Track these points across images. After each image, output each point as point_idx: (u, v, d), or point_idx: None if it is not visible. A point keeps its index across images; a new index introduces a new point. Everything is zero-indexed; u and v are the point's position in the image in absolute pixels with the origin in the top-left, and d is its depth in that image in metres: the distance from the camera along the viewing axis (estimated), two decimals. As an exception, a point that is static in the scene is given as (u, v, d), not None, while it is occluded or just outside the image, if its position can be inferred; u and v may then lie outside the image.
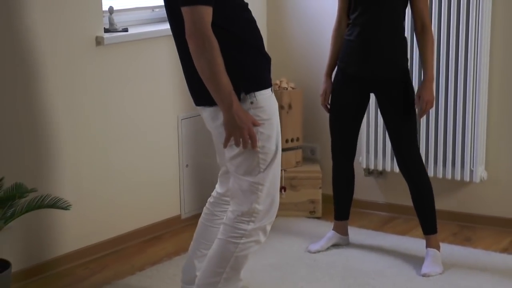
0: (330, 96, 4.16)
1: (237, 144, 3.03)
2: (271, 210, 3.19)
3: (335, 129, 4.17)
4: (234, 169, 3.15)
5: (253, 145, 3.03)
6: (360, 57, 3.98)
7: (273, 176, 3.16)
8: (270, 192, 3.16)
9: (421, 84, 3.96)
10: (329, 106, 4.19)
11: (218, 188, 3.53)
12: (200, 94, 3.13)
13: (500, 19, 4.46)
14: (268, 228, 3.21)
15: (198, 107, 3.23)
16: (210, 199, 3.55)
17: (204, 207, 3.57)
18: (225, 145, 3.07)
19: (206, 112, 3.18)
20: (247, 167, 3.11)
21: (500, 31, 4.48)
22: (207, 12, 2.91)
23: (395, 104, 3.98)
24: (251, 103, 3.06)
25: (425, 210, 4.09)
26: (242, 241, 3.15)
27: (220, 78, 2.94)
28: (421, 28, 3.95)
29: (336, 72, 4.13)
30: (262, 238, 3.20)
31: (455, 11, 4.44)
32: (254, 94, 3.06)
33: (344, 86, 4.08)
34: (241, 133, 2.99)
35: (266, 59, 3.17)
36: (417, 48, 4.07)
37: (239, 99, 3.02)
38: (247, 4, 3.14)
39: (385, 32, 3.94)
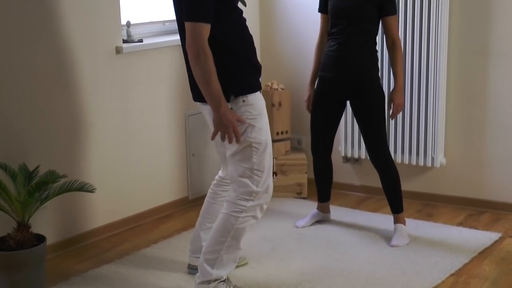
0: (313, 102, 4.13)
1: (222, 139, 3.05)
2: (268, 191, 3.20)
3: (315, 128, 4.15)
4: (232, 158, 3.16)
5: (237, 140, 3.05)
6: (336, 65, 3.96)
7: (267, 163, 3.17)
8: (265, 176, 3.17)
9: (392, 90, 3.95)
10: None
11: (220, 173, 3.56)
12: (200, 93, 3.14)
13: (456, 29, 4.48)
14: (265, 206, 3.23)
15: (197, 102, 3.26)
16: (213, 181, 3.59)
17: (209, 188, 3.60)
18: (212, 138, 3.09)
19: (205, 109, 3.21)
20: (243, 157, 3.13)
21: (455, 38, 4.49)
22: (205, 28, 2.94)
23: (367, 105, 3.96)
24: (243, 101, 3.09)
25: (392, 194, 4.09)
26: (242, 215, 3.17)
27: (211, 84, 2.96)
28: (391, 44, 3.94)
29: (318, 80, 4.10)
30: (259, 214, 3.22)
31: (418, 22, 4.46)
32: (246, 95, 3.10)
33: (324, 93, 4.06)
34: (227, 130, 3.02)
35: (256, 68, 3.18)
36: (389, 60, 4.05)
37: (228, 100, 3.05)
38: (244, 20, 3.15)
39: (358, 45, 3.91)
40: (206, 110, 3.22)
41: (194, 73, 2.99)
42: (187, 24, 2.96)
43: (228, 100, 3.06)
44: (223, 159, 3.44)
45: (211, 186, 3.60)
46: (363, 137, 4.07)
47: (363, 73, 3.94)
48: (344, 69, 3.95)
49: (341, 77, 3.97)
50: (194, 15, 2.94)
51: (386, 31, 3.96)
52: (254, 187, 3.16)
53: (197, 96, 3.19)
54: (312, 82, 4.18)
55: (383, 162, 4.04)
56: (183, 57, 3.20)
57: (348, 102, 4.20)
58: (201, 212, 3.62)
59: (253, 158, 3.13)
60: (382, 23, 3.95)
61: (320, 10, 4.10)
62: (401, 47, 3.97)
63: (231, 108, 3.07)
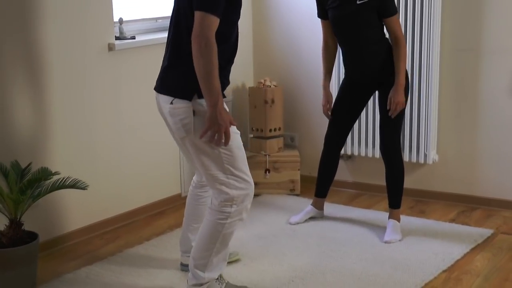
0: (336, 96, 4.15)
1: (211, 139, 2.95)
2: (249, 193, 3.14)
3: (333, 120, 4.15)
4: (203, 167, 3.09)
5: (226, 142, 2.97)
6: (356, 70, 3.99)
7: (241, 165, 3.10)
8: (242, 178, 3.10)
9: (393, 88, 3.89)
10: (330, 113, 4.18)
11: (195, 177, 3.52)
12: (167, 84, 3.11)
13: (448, 27, 4.48)
14: (249, 206, 3.17)
15: (157, 93, 3.19)
16: (192, 184, 3.55)
17: (189, 190, 3.57)
18: (201, 136, 2.97)
19: (165, 108, 3.12)
20: (215, 166, 3.06)
21: (448, 37, 4.50)
22: (215, 21, 2.86)
23: (387, 98, 3.95)
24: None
25: (394, 189, 4.10)
26: (227, 221, 3.12)
27: (213, 78, 2.87)
28: (395, 41, 3.89)
29: (343, 79, 4.13)
30: (244, 215, 3.17)
31: (411, 20, 4.46)
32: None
33: (348, 89, 4.08)
34: (219, 129, 2.93)
35: (227, 80, 3.12)
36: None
37: (190, 99, 2.99)
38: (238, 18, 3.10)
39: (368, 52, 3.91)
40: (162, 102, 3.13)
41: (196, 65, 2.87)
42: (198, 13, 2.86)
43: (189, 99, 2.99)
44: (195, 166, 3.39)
45: (190, 188, 3.55)
46: (380, 127, 4.07)
47: (380, 75, 3.95)
48: (362, 75, 3.99)
49: (364, 80, 4.02)
50: (206, 5, 2.85)
51: (388, 31, 3.92)
52: (234, 192, 3.09)
53: (159, 86, 3.16)
54: (325, 86, 4.17)
55: (393, 155, 4.04)
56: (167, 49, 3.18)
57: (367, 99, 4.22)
58: (185, 213, 3.59)
59: (224, 164, 3.05)
60: (384, 24, 3.92)
61: (318, 16, 4.08)
62: (404, 45, 3.90)
63: (193, 110, 3.00)
